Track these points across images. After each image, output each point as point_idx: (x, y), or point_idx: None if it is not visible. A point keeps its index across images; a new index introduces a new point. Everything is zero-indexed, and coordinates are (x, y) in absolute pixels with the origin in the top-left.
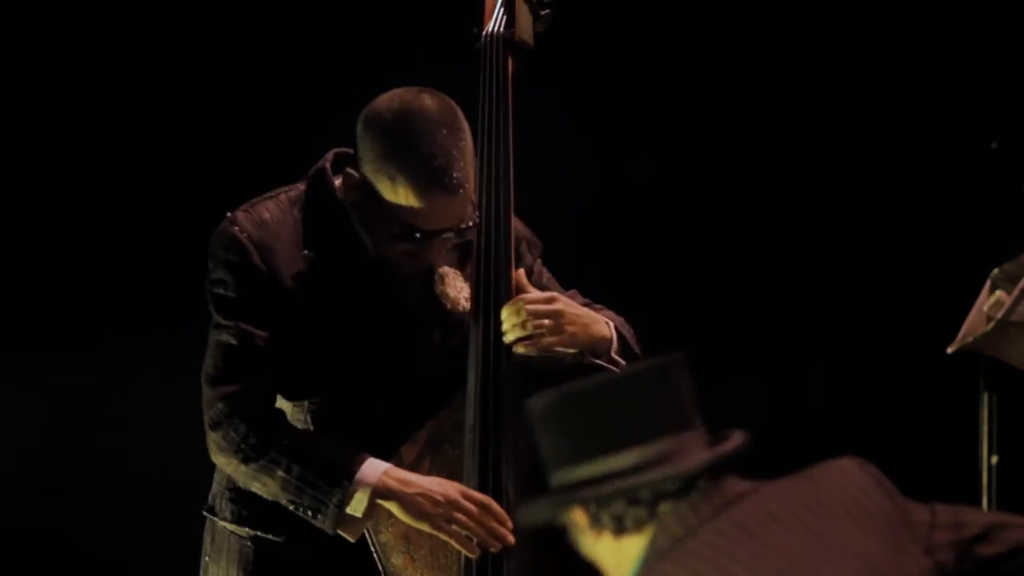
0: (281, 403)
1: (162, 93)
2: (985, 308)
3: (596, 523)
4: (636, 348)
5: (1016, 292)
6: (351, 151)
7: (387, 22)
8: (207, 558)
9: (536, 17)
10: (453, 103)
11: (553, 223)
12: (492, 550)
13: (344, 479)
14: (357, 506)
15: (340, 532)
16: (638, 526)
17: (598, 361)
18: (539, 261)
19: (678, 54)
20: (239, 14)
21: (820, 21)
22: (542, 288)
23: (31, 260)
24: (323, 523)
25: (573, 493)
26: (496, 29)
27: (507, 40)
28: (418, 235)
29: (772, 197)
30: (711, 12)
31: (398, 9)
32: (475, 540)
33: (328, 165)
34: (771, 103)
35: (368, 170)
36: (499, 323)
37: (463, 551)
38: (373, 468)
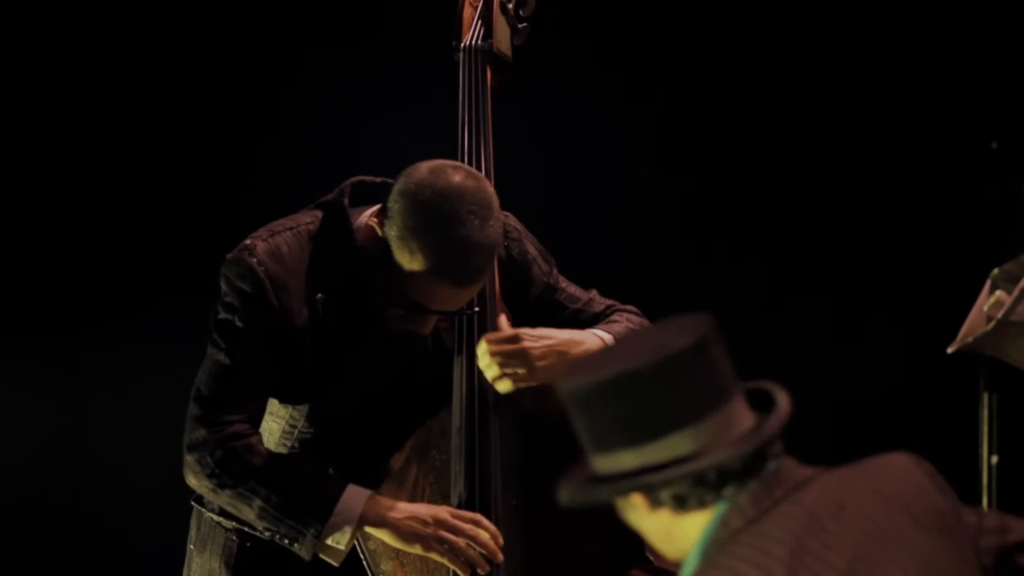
0: (269, 423)
1: (153, 99)
2: (985, 308)
3: (655, 504)
4: None
5: (1016, 292)
6: (369, 180)
7: (367, 37)
8: (192, 547)
9: (514, 30)
10: (489, 185)
11: (553, 225)
12: (482, 572)
13: (324, 513)
14: (340, 538)
15: (323, 557)
16: (702, 505)
17: None
18: (555, 272)
19: (681, 56)
20: (234, 24)
21: (820, 24)
22: (561, 302)
23: (25, 260)
24: (300, 551)
25: (636, 480)
26: (474, 41)
27: (485, 51)
28: (417, 310)
29: (773, 198)
30: (712, 13)
31: (377, 24)
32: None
33: (346, 200)
34: (772, 104)
35: (392, 234)
36: (483, 331)
37: (456, 569)
38: (354, 498)
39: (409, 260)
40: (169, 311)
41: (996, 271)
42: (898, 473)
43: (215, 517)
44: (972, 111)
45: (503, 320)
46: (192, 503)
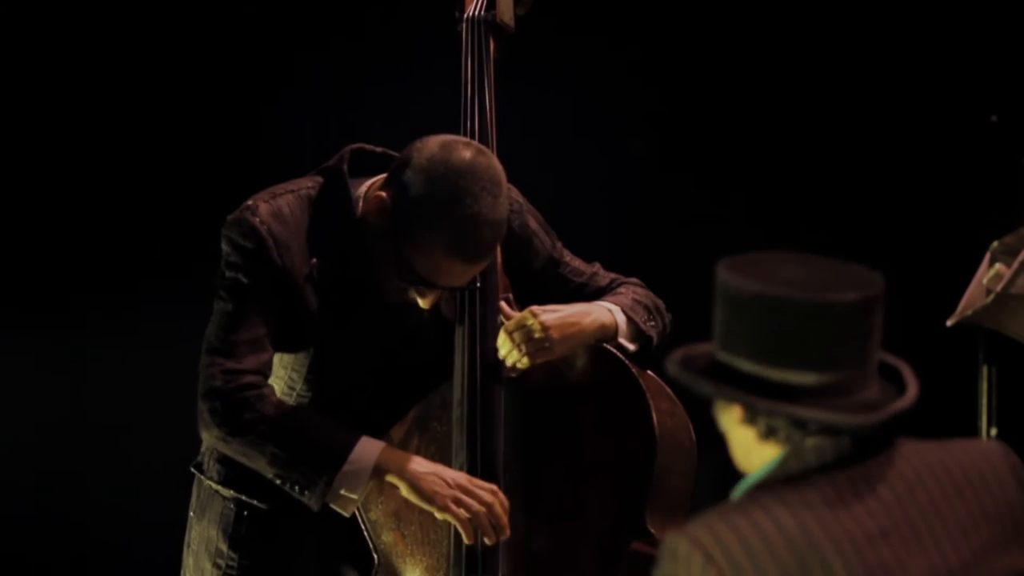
0: (271, 382)
1: (151, 67)
2: (984, 281)
3: (749, 421)
4: (647, 328)
5: (1015, 265)
6: (369, 149)
7: (370, 8)
8: (192, 513)
9: (517, 1)
10: (496, 161)
11: (554, 198)
12: (488, 541)
13: (338, 460)
14: (354, 487)
15: (334, 507)
16: (787, 441)
17: (608, 347)
18: (559, 245)
19: (680, 28)
20: None
21: None
22: (566, 276)
23: (23, 233)
24: (309, 500)
25: (745, 396)
26: (477, 12)
27: (488, 22)
28: (425, 285)
29: (773, 172)
30: None
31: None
32: (474, 527)
33: (346, 167)
34: (772, 77)
35: (402, 210)
36: (485, 301)
37: (463, 534)
38: (369, 448)
39: (421, 236)
40: (168, 284)
41: (995, 244)
42: (980, 460)
43: (213, 485)
44: (972, 84)
45: (504, 305)
46: (192, 470)
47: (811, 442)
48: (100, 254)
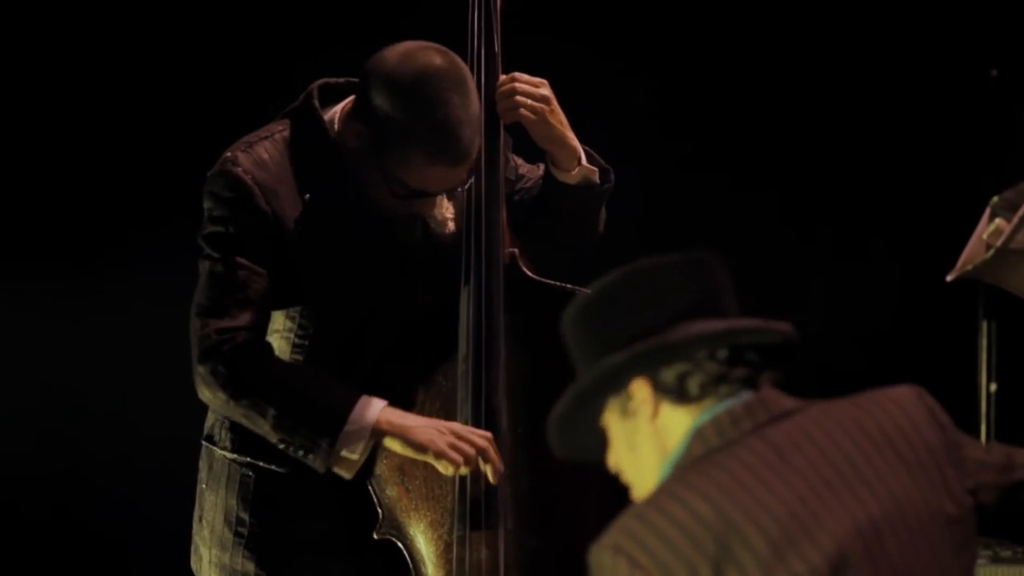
0: (274, 340)
1: (146, 19)
2: (984, 236)
3: (658, 389)
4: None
5: (1015, 220)
6: (336, 81)
7: None
8: (203, 486)
9: None
10: (461, 61)
11: None
12: (492, 478)
13: (338, 421)
14: (355, 448)
15: (336, 470)
16: (701, 392)
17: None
18: (511, 153)
19: None
20: None
21: None
22: (518, 178)
23: (19, 189)
24: (314, 463)
25: (647, 349)
26: None
27: None
28: (417, 196)
29: (773, 126)
30: None
31: None
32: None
33: (315, 102)
34: (773, 31)
35: (375, 127)
36: (490, 255)
37: (463, 471)
38: (368, 407)
39: (402, 151)
40: (168, 241)
41: (995, 199)
42: (892, 407)
43: (228, 455)
44: (972, 38)
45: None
46: (202, 442)
47: (724, 391)
48: (103, 214)
